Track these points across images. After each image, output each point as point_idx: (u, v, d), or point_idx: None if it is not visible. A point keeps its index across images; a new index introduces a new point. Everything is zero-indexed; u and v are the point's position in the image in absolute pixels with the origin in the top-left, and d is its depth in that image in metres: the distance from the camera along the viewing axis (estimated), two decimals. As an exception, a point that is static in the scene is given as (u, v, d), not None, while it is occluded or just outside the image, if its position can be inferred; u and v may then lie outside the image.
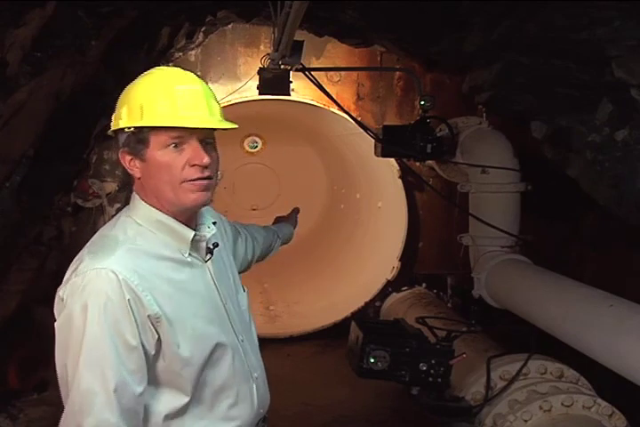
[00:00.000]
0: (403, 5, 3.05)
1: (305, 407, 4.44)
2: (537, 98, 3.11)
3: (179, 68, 1.66)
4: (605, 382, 2.84)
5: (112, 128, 1.61)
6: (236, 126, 1.61)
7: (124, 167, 1.62)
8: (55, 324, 1.51)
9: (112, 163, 5.27)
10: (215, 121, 1.58)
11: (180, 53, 5.30)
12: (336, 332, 5.52)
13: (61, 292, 1.51)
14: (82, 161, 4.78)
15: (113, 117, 1.63)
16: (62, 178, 4.35)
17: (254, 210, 7.95)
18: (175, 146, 1.54)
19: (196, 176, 1.55)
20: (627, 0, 2.02)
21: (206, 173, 1.57)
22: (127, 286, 1.46)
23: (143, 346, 1.47)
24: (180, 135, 1.54)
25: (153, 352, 1.50)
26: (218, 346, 1.61)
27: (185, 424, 1.58)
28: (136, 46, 3.98)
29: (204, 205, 1.64)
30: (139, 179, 1.60)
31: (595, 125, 2.77)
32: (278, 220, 2.69)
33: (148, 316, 1.49)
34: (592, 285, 3.02)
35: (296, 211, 2.75)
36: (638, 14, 2.08)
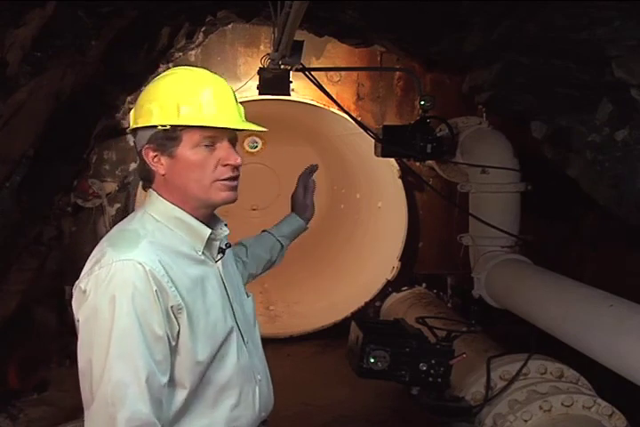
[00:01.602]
0: (403, 5, 3.05)
1: (305, 407, 4.44)
2: (537, 98, 3.11)
3: (205, 70, 1.69)
4: (605, 382, 2.84)
5: (139, 124, 1.60)
6: (265, 129, 1.67)
7: (144, 163, 1.62)
8: (78, 318, 1.49)
9: (112, 163, 5.28)
10: (246, 123, 1.65)
11: (180, 53, 5.30)
12: (336, 332, 5.52)
13: (83, 284, 1.49)
14: (82, 161, 4.79)
15: (135, 113, 1.63)
16: (62, 178, 4.36)
17: (254, 210, 7.96)
18: (206, 146, 1.57)
19: (228, 175, 1.60)
20: (627, 0, 2.02)
21: (236, 173, 1.63)
22: (154, 277, 1.47)
23: (167, 337, 1.49)
24: (214, 135, 1.57)
25: (174, 344, 1.51)
26: (224, 344, 1.62)
27: (188, 422, 1.58)
28: (136, 46, 3.99)
29: (231, 203, 1.67)
30: (163, 175, 1.61)
31: (595, 125, 2.77)
32: (293, 207, 2.42)
33: (172, 307, 1.50)
34: (592, 285, 3.02)
35: (310, 189, 2.47)
36: (638, 14, 2.08)
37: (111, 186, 5.23)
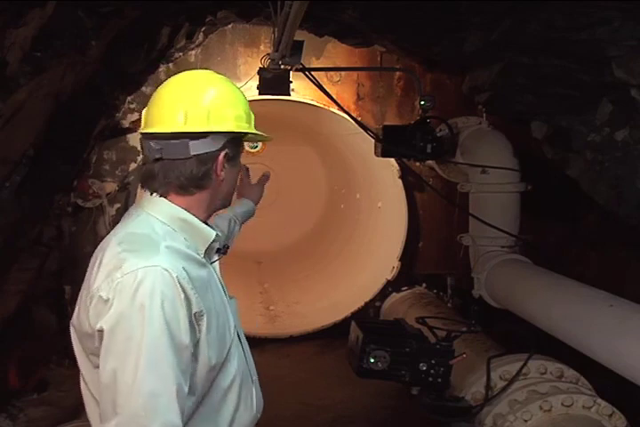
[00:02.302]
0: (403, 5, 3.05)
1: (305, 407, 4.44)
2: (537, 98, 3.11)
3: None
4: (605, 382, 2.84)
5: (221, 129, 1.58)
6: (270, 138, 1.79)
7: (207, 168, 1.59)
8: (101, 327, 1.42)
9: (112, 163, 5.27)
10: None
11: (180, 53, 5.29)
12: (336, 332, 5.51)
13: (104, 293, 1.43)
14: (82, 161, 4.79)
15: (205, 117, 1.57)
16: (62, 178, 4.35)
17: (254, 210, 7.95)
18: None
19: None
20: (627, 0, 2.02)
21: None
22: (181, 284, 1.44)
23: (191, 344, 1.46)
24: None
25: (192, 351, 1.48)
26: (230, 348, 1.62)
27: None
28: (136, 46, 3.99)
29: None
30: (222, 181, 1.63)
31: (595, 125, 2.77)
32: (240, 191, 2.52)
33: (195, 313, 1.47)
34: (592, 285, 3.02)
35: (264, 179, 2.60)
36: (638, 14, 2.08)
37: (111, 186, 5.23)
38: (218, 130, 1.57)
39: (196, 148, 1.56)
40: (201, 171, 1.57)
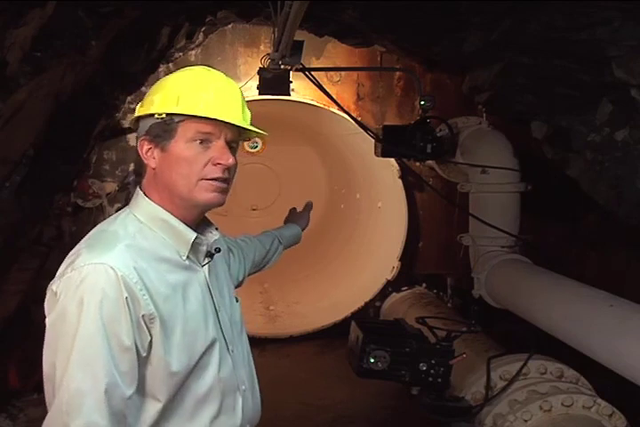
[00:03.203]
0: (403, 5, 3.05)
1: (305, 407, 4.44)
2: (537, 98, 3.11)
3: (221, 72, 1.64)
4: (605, 382, 2.84)
5: (139, 113, 1.57)
6: (265, 134, 1.61)
7: (138, 157, 1.58)
8: (46, 320, 1.44)
9: (112, 163, 5.28)
10: (246, 124, 1.58)
11: (180, 53, 5.29)
12: (336, 332, 5.51)
13: (55, 286, 1.44)
14: (82, 161, 4.78)
15: (140, 105, 1.60)
16: (62, 178, 4.35)
17: (254, 210, 7.96)
18: (201, 142, 1.52)
19: (216, 175, 1.53)
20: (627, 0, 2.02)
21: (226, 175, 1.55)
22: (125, 284, 1.41)
23: (136, 347, 1.42)
24: (210, 132, 1.52)
25: (144, 354, 1.44)
26: (205, 355, 1.55)
27: None
28: (136, 46, 3.98)
29: (217, 206, 1.59)
30: (153, 169, 1.56)
31: (595, 125, 2.77)
32: (289, 219, 2.61)
33: (143, 315, 1.43)
34: (592, 285, 3.02)
35: (309, 208, 2.65)
36: (638, 14, 2.08)
37: (111, 186, 5.23)
38: (138, 114, 1.58)
39: (137, 139, 1.60)
40: (139, 160, 1.58)
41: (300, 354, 5.58)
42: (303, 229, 2.59)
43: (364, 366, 2.72)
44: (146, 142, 1.55)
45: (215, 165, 1.53)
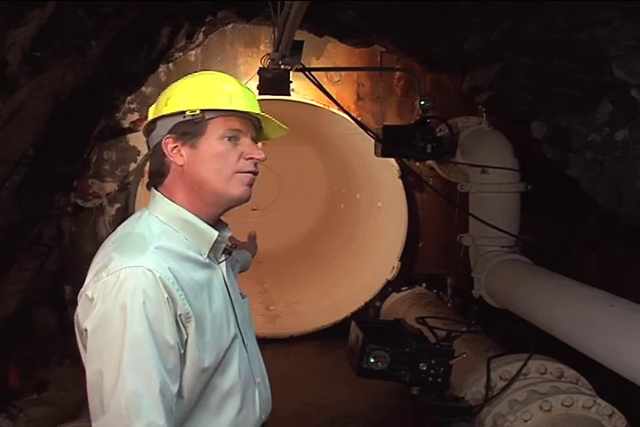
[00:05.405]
0: (403, 5, 3.05)
1: (305, 407, 4.44)
2: (537, 98, 3.11)
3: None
4: (605, 382, 2.84)
5: (164, 112, 1.59)
6: (285, 132, 1.74)
7: (160, 155, 1.59)
8: (86, 327, 1.43)
9: (112, 163, 5.28)
10: (279, 122, 1.67)
11: (180, 53, 5.29)
12: (336, 332, 5.51)
13: (89, 292, 1.44)
14: (82, 161, 4.79)
15: (157, 106, 1.62)
16: (62, 178, 4.36)
17: (254, 210, 7.95)
18: (229, 139, 1.57)
19: (250, 169, 1.60)
20: (627, 0, 2.02)
21: (257, 169, 1.62)
22: (164, 284, 1.44)
23: (177, 345, 1.46)
24: (239, 129, 1.58)
25: (182, 352, 1.48)
26: (229, 350, 1.60)
27: None
28: (136, 46, 3.99)
29: (245, 202, 1.64)
30: (181, 166, 1.58)
31: (595, 125, 2.77)
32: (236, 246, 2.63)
33: (180, 315, 1.46)
34: (592, 285, 3.03)
35: (253, 236, 2.68)
36: (638, 14, 2.08)
37: (111, 186, 5.23)
38: (165, 113, 1.58)
39: (152, 138, 1.62)
40: (160, 159, 1.60)
41: (300, 354, 5.58)
42: (253, 256, 2.58)
43: (364, 366, 2.72)
44: (171, 140, 1.57)
45: (247, 159, 1.59)
